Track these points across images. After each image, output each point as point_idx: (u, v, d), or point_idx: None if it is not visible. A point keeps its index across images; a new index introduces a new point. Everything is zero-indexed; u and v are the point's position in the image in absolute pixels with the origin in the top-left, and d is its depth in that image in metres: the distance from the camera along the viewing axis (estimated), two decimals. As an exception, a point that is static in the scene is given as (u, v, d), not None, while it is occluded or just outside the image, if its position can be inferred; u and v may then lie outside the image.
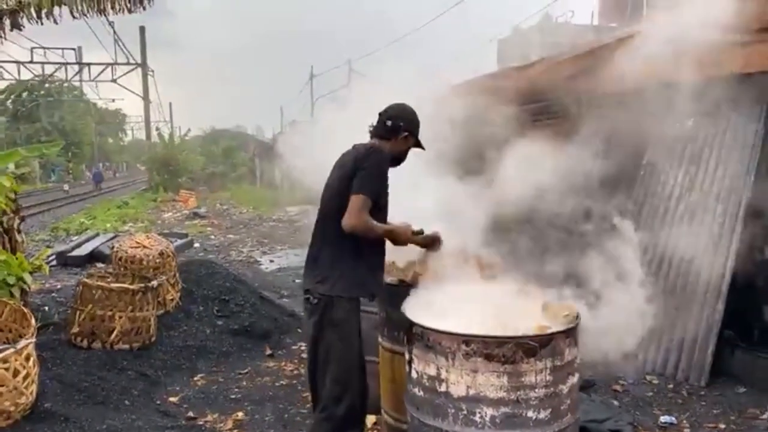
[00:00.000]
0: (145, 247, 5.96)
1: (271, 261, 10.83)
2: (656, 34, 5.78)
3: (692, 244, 4.92)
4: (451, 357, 2.27)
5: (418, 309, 2.56)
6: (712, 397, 4.37)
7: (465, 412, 2.26)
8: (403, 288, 3.16)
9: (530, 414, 2.24)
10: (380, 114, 3.05)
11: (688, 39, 5.34)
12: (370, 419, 3.65)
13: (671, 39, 5.55)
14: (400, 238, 2.98)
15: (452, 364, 2.27)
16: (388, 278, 3.26)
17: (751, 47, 4.80)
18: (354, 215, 2.71)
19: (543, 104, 7.55)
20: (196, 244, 12.36)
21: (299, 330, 6.21)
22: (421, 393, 2.40)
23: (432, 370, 2.34)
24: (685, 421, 4.00)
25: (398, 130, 2.99)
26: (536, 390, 2.24)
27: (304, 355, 5.53)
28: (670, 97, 5.69)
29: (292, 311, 6.67)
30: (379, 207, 2.85)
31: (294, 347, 5.83)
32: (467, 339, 2.24)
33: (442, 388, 2.31)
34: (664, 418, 4.01)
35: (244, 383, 4.89)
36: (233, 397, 4.60)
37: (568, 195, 4.09)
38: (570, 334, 2.33)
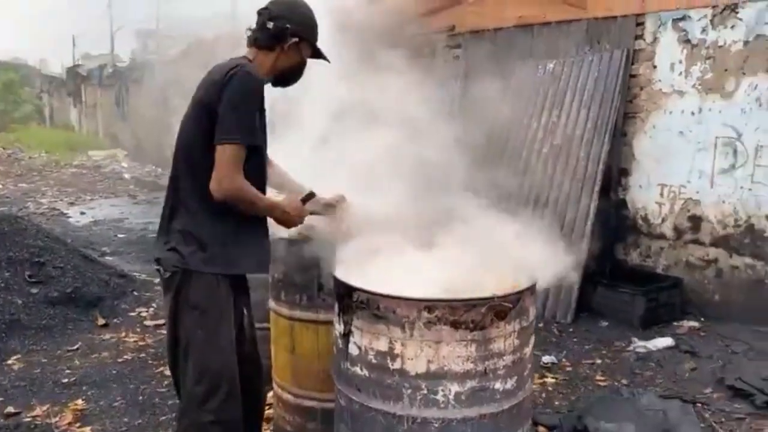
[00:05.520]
0: None
1: (82, 213, 9.40)
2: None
3: (557, 187, 5.01)
4: (408, 327, 1.85)
5: (351, 273, 2.07)
6: (580, 332, 4.53)
7: (425, 391, 1.88)
8: (306, 244, 2.66)
9: (497, 386, 1.92)
10: (259, 13, 2.23)
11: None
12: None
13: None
14: (290, 218, 2.23)
15: (410, 335, 1.86)
16: (287, 233, 2.70)
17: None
18: (223, 177, 1.99)
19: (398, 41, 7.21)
20: (-20, 195, 10.34)
21: (135, 293, 5.36)
22: (365, 372, 1.95)
23: (382, 345, 1.90)
24: (564, 360, 4.07)
25: (285, 35, 2.19)
26: (504, 357, 1.92)
27: (148, 323, 4.78)
28: (534, 37, 5.68)
29: (123, 271, 5.73)
30: (253, 150, 2.09)
31: (132, 314, 4.99)
32: (430, 305, 1.83)
33: (396, 365, 1.89)
34: (546, 358, 4.04)
35: (77, 362, 4.06)
36: (65, 381, 3.78)
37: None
38: (533, 290, 2.04)
